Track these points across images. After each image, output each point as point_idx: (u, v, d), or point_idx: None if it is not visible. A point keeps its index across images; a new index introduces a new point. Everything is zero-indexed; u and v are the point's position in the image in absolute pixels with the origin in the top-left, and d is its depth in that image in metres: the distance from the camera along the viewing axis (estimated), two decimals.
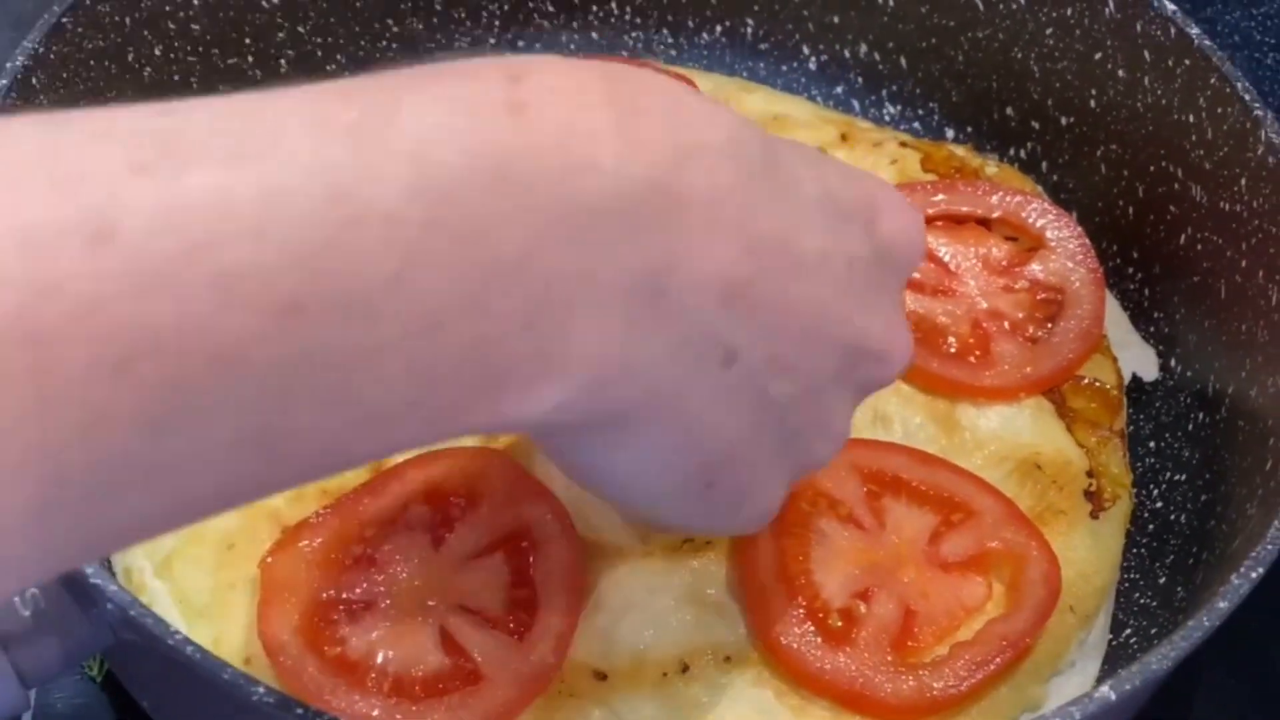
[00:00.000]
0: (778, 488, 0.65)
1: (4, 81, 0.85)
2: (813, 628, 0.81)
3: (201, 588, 0.83)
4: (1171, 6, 0.97)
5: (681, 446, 0.57)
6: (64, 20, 0.89)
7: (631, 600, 0.83)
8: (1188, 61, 0.96)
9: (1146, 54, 0.99)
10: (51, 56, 0.88)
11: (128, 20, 0.95)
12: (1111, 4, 1.01)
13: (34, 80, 0.87)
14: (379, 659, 0.78)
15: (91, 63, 0.92)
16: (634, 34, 1.20)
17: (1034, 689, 0.83)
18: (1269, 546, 0.69)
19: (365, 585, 0.81)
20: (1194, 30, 0.96)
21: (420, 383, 0.46)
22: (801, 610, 0.82)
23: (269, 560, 0.82)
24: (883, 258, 0.61)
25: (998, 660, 0.80)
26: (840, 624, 0.82)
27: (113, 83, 0.95)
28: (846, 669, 0.80)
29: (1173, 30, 0.97)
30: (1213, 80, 0.94)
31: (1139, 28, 0.99)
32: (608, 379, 0.51)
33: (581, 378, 0.50)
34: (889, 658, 0.81)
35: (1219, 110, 0.94)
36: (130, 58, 0.96)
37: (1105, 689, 0.64)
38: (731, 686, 0.81)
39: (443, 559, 0.82)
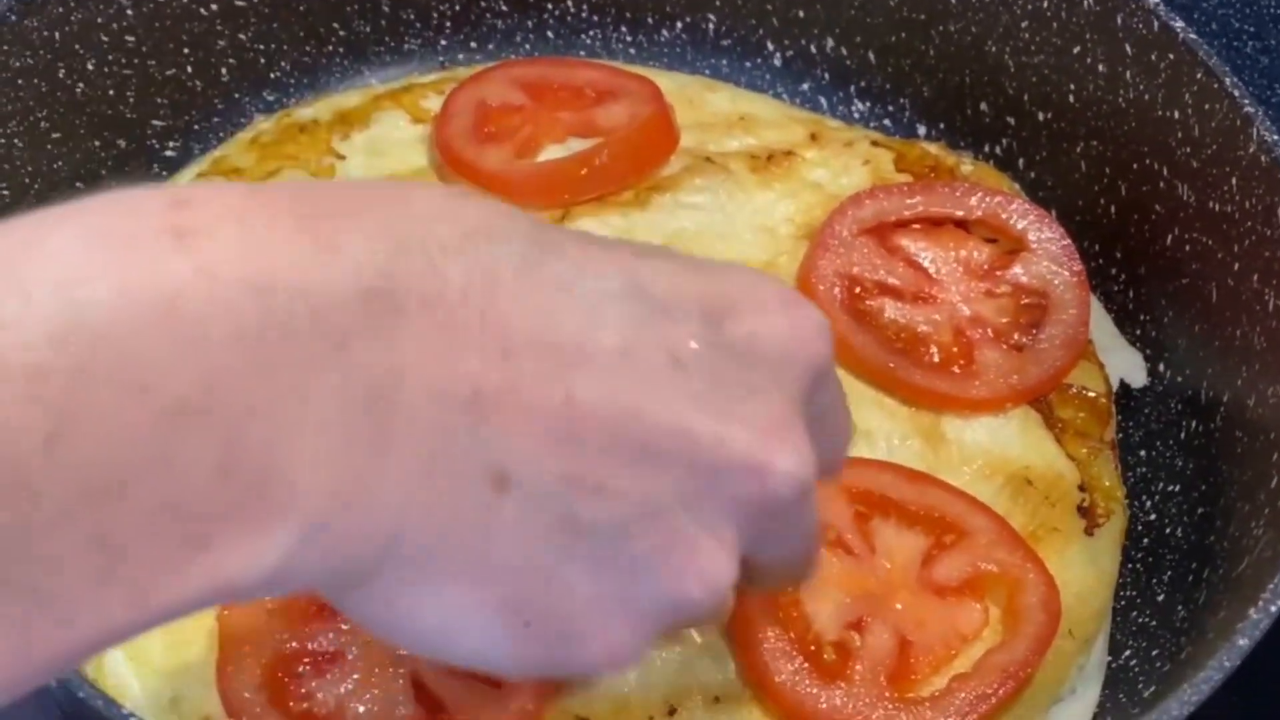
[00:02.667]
0: (627, 629, 0.52)
1: None
2: (805, 663, 0.77)
3: (155, 644, 0.78)
4: None
5: (470, 585, 0.49)
6: None
7: None
8: (1172, 56, 0.92)
9: (1128, 48, 0.96)
10: None
11: (57, 35, 0.89)
12: None
13: None
14: (348, 714, 0.74)
15: (20, 82, 0.87)
16: (591, 32, 1.15)
17: (1034, 719, 0.80)
18: None
19: (331, 634, 0.76)
20: (1178, 24, 0.92)
21: (106, 557, 0.39)
22: (793, 645, 0.78)
23: (225, 612, 0.77)
24: (743, 356, 0.51)
25: (999, 693, 0.77)
26: (834, 658, 0.78)
27: (43, 101, 0.89)
28: (843, 708, 0.76)
29: (1155, 23, 0.93)
30: (1199, 76, 0.90)
31: (1119, 20, 0.96)
32: (338, 517, 0.44)
33: (303, 520, 0.43)
34: (886, 693, 0.77)
35: (1206, 107, 0.90)
36: (62, 74, 0.90)
37: None
38: None
39: None
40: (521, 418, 0.46)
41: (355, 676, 0.75)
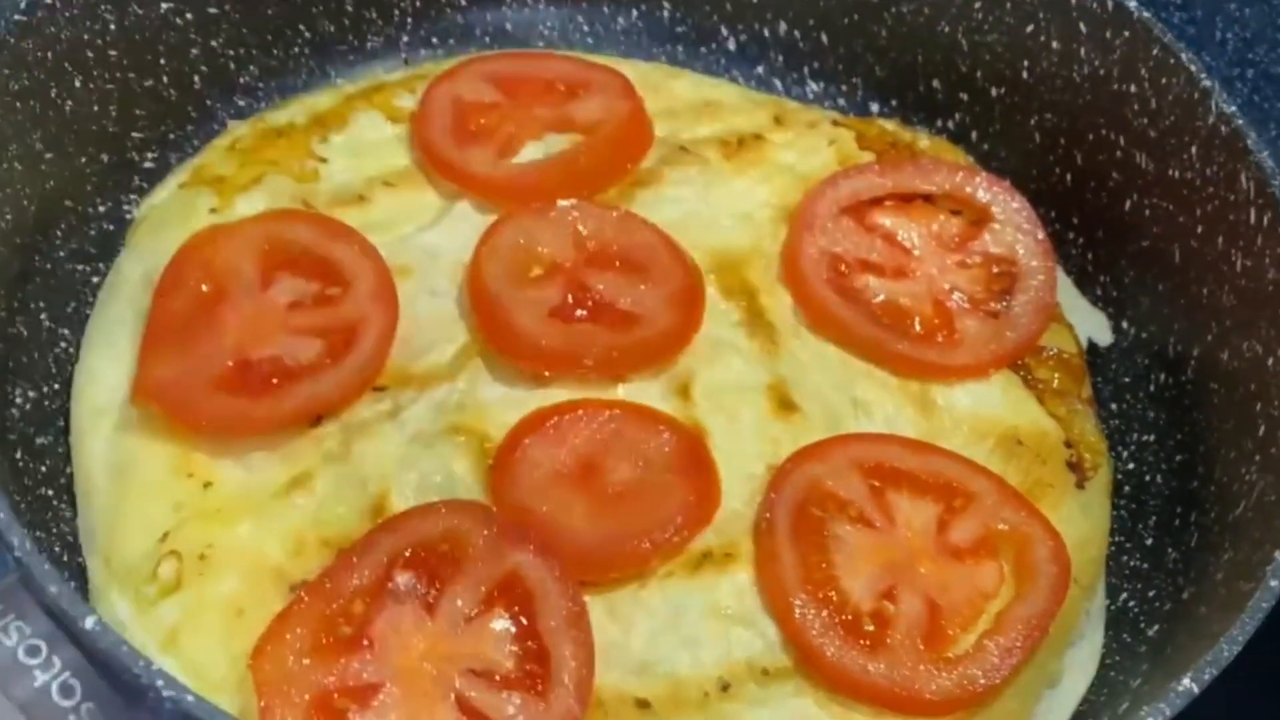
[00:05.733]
0: None
1: None
2: (848, 635, 0.81)
3: (216, 660, 0.78)
4: None
5: None
6: None
7: (660, 623, 0.82)
8: (1127, 33, 0.98)
9: (1082, 26, 1.01)
10: None
11: (49, 55, 0.88)
12: None
13: None
14: None
15: (18, 105, 0.85)
16: (549, 23, 1.17)
17: (1052, 664, 0.85)
18: None
19: (368, 667, 0.75)
20: (1132, 2, 0.97)
21: None
22: (834, 617, 0.82)
23: (254, 661, 0.75)
24: None
25: (1028, 644, 0.82)
26: (872, 627, 0.82)
27: (38, 122, 0.88)
28: (888, 673, 0.80)
29: (1110, 2, 0.98)
30: (1155, 51, 0.96)
31: (1073, 0, 1.01)
32: None
33: None
34: (924, 656, 0.81)
35: (1163, 80, 0.96)
36: (53, 93, 0.89)
37: (1187, 682, 0.66)
38: (772, 700, 0.81)
39: (440, 624, 0.78)
40: None
41: (400, 704, 0.75)
